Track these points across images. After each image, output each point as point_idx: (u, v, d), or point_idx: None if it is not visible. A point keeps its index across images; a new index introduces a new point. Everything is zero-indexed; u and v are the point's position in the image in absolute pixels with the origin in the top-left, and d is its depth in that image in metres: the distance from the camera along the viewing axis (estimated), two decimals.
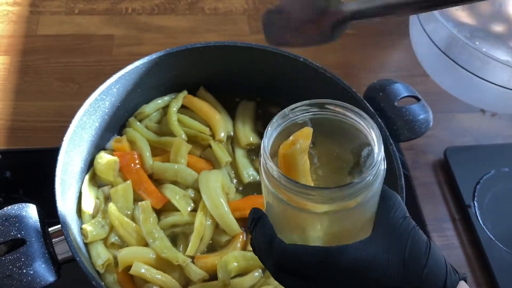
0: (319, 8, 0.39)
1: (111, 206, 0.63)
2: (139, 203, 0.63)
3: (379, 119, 0.64)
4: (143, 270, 0.59)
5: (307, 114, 0.42)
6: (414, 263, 0.38)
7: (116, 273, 0.61)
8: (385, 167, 0.40)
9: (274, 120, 0.41)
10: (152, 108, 0.73)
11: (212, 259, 0.61)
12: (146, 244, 0.62)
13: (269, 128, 0.40)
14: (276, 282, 0.60)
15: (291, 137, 0.40)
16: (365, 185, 0.37)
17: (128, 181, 0.65)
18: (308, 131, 0.40)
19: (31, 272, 0.51)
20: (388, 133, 0.63)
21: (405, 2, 0.43)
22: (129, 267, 0.59)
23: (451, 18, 0.95)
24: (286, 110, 0.41)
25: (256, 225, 0.42)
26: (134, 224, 0.63)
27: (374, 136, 0.39)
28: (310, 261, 0.39)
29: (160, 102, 0.73)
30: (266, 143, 0.39)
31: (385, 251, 0.38)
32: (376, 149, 0.39)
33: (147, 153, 0.68)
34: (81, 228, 0.62)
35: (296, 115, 0.41)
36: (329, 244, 0.39)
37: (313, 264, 0.38)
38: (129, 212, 0.64)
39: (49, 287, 0.52)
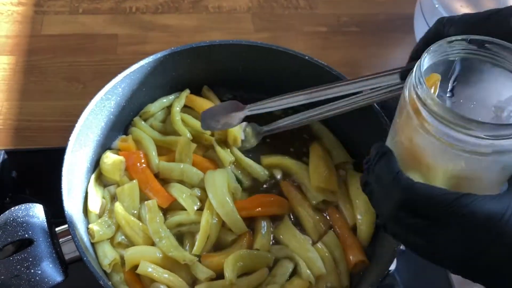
0: (230, 111, 0.64)
1: (118, 206, 0.63)
2: (145, 202, 0.63)
3: (385, 118, 0.64)
4: (150, 269, 0.59)
5: (462, 51, 0.39)
6: None
7: (123, 272, 0.61)
8: None
9: (429, 49, 0.39)
10: (157, 107, 0.73)
11: (218, 258, 0.61)
12: (153, 243, 0.62)
13: (426, 55, 0.38)
14: (282, 280, 0.61)
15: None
16: None
17: (134, 181, 0.65)
18: (435, 77, 0.38)
19: (39, 272, 0.51)
20: (390, 124, 0.63)
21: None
22: (136, 267, 0.59)
23: (455, 13, 0.94)
24: (443, 41, 0.39)
25: (380, 160, 0.40)
26: (140, 224, 0.63)
27: None
28: (442, 202, 0.36)
29: (165, 101, 0.73)
30: (421, 69, 0.37)
31: None
32: None
33: (153, 153, 0.68)
34: (87, 228, 0.62)
35: (451, 51, 0.39)
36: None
37: (445, 205, 0.36)
38: (135, 212, 0.64)
39: (57, 287, 0.52)
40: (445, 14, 0.81)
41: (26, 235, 0.52)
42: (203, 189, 0.66)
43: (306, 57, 0.69)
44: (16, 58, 0.90)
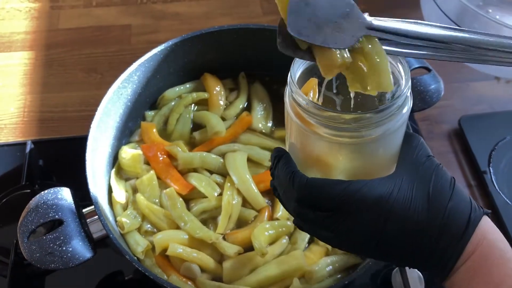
0: (341, 11, 0.36)
1: (139, 196, 0.66)
2: (164, 191, 0.67)
3: None
4: (179, 250, 0.62)
5: None
6: (439, 197, 0.38)
7: (153, 257, 0.64)
8: (411, 103, 0.39)
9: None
10: (173, 93, 0.76)
11: (242, 233, 0.64)
12: (178, 227, 0.65)
13: (296, 60, 0.40)
14: (302, 246, 0.64)
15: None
16: (393, 111, 0.37)
17: (151, 171, 0.68)
18: (313, 81, 0.40)
19: (70, 249, 0.55)
20: None
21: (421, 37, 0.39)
22: (165, 250, 0.63)
23: None
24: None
25: (278, 163, 0.42)
26: (163, 210, 0.66)
27: (401, 69, 0.39)
28: (333, 193, 0.38)
29: (182, 88, 0.77)
30: (294, 74, 0.39)
31: (409, 187, 0.38)
32: (403, 82, 0.38)
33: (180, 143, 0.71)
34: (116, 221, 0.65)
35: None
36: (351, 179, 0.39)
37: (336, 195, 0.38)
38: (156, 200, 0.68)
39: (86, 263, 0.56)
40: None
41: (57, 216, 0.56)
42: (222, 175, 0.69)
43: None
44: (35, 53, 0.93)
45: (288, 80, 0.40)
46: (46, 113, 0.86)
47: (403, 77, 0.39)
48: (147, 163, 0.71)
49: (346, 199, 0.38)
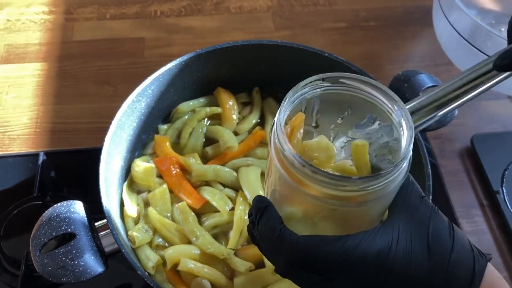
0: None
1: (151, 210, 0.66)
2: (176, 205, 0.67)
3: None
4: (191, 265, 0.62)
5: (319, 89, 0.39)
6: (440, 249, 0.36)
7: (164, 272, 0.64)
8: (411, 159, 0.37)
9: (287, 97, 0.38)
10: (187, 107, 0.76)
11: (253, 249, 0.64)
12: (189, 242, 0.65)
13: (283, 107, 0.38)
14: None
15: (288, 127, 0.38)
16: (396, 172, 0.35)
17: (164, 185, 0.68)
18: (301, 117, 0.38)
19: (82, 263, 0.55)
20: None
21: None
22: (176, 265, 0.62)
23: (474, 5, 0.95)
24: (297, 86, 0.39)
25: (262, 216, 0.38)
26: (175, 225, 0.66)
27: (400, 115, 0.37)
28: (329, 252, 0.35)
29: (196, 102, 0.77)
30: (281, 122, 0.37)
31: (406, 236, 0.36)
32: (405, 131, 0.36)
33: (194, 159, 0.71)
34: (127, 235, 0.65)
35: (307, 91, 0.39)
36: (343, 233, 0.36)
37: (333, 255, 0.35)
38: (168, 214, 0.68)
39: (95, 278, 0.56)
40: (462, 5, 0.82)
41: (69, 230, 0.56)
42: (235, 189, 0.69)
43: (326, 54, 0.72)
44: (49, 64, 0.94)
45: (274, 129, 0.37)
46: (59, 125, 0.86)
47: (405, 138, 0.37)
48: (159, 176, 0.71)
49: (344, 259, 0.35)
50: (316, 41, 0.99)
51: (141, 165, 0.70)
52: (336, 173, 0.37)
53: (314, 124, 0.42)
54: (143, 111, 0.71)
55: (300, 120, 0.39)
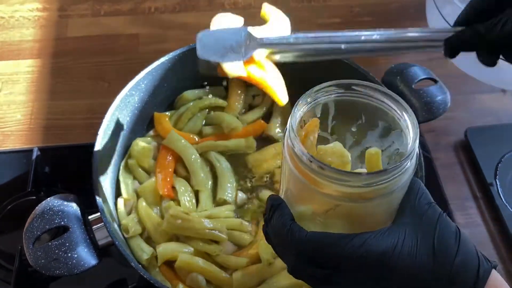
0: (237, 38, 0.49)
1: (140, 202, 0.67)
2: (163, 205, 0.67)
3: None
4: (189, 260, 0.62)
5: (332, 95, 0.41)
6: (445, 251, 0.36)
7: (157, 266, 0.64)
8: (418, 157, 0.38)
9: (299, 101, 0.40)
10: (192, 95, 0.77)
11: (246, 252, 0.65)
12: (170, 239, 0.65)
13: (295, 110, 0.39)
14: None
15: (303, 131, 0.40)
16: (401, 170, 0.36)
17: (153, 179, 0.69)
18: (315, 122, 0.40)
19: (75, 255, 0.55)
20: None
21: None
22: (168, 261, 0.63)
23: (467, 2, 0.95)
24: (311, 91, 0.40)
25: (275, 212, 0.40)
26: (160, 220, 0.66)
27: (408, 120, 0.38)
28: (335, 248, 0.36)
29: (201, 91, 0.78)
30: (293, 125, 0.38)
31: (412, 238, 0.36)
32: (411, 134, 0.37)
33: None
34: (120, 225, 0.65)
35: (320, 97, 0.40)
36: (351, 232, 0.37)
37: (338, 251, 0.36)
38: (157, 210, 0.68)
39: (90, 271, 0.56)
40: (456, 1, 0.82)
41: (62, 223, 0.56)
42: None
43: None
44: (43, 61, 0.94)
45: (287, 132, 0.38)
46: (53, 121, 0.86)
47: (411, 134, 0.38)
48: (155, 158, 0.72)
49: (349, 256, 0.36)
50: None
51: (140, 145, 0.71)
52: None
53: (329, 131, 0.44)
54: (136, 105, 0.71)
55: (315, 124, 0.41)
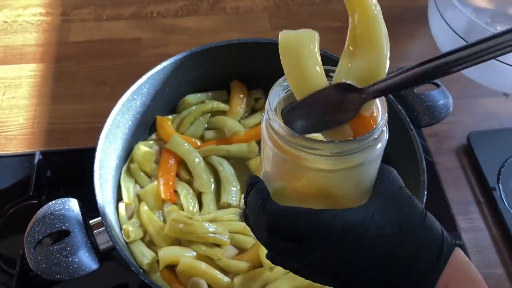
0: (336, 100, 0.38)
1: (142, 206, 0.67)
2: (165, 209, 0.67)
3: (398, 106, 0.66)
4: (191, 264, 0.62)
5: None
6: (410, 228, 0.38)
7: (158, 271, 0.64)
8: (387, 135, 0.40)
9: (280, 79, 0.41)
10: (194, 99, 0.77)
11: (247, 255, 0.64)
12: (173, 242, 0.65)
13: (274, 87, 0.41)
14: None
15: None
16: (369, 142, 0.37)
17: (155, 182, 0.69)
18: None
19: (76, 260, 0.55)
20: (408, 119, 0.65)
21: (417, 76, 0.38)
22: (170, 265, 0.62)
23: (469, 4, 0.95)
24: (278, 81, 0.41)
25: (251, 190, 0.42)
26: (162, 224, 0.66)
27: (377, 101, 0.39)
28: (303, 221, 0.37)
29: (204, 95, 0.79)
30: (271, 100, 0.40)
31: (381, 216, 0.38)
32: (379, 114, 0.39)
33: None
34: (121, 229, 0.65)
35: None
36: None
37: (306, 224, 0.37)
38: (159, 213, 0.68)
39: (92, 276, 0.56)
40: (458, 4, 0.82)
41: (64, 227, 0.56)
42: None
43: (322, 52, 0.71)
44: (45, 65, 0.94)
45: (265, 107, 0.39)
46: (55, 125, 0.86)
47: (379, 109, 0.39)
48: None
49: (316, 228, 0.37)
50: None
51: (142, 149, 0.71)
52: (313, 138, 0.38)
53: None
54: (138, 109, 0.71)
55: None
